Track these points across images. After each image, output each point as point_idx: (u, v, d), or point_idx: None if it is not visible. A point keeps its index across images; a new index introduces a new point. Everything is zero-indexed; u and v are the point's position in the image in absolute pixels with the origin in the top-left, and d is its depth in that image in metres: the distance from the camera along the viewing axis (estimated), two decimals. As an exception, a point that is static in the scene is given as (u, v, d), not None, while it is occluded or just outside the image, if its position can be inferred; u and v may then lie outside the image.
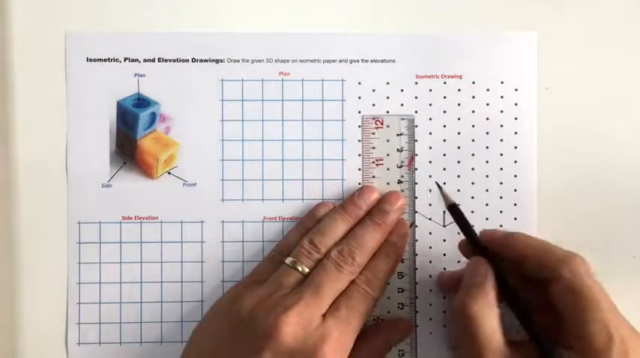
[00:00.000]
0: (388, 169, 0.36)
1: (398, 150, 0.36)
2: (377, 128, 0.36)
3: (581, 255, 0.30)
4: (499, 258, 0.31)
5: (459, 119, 0.36)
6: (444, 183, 0.36)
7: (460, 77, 0.36)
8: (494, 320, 0.29)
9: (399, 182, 0.36)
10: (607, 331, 0.27)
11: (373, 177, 0.36)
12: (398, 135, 0.36)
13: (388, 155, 0.36)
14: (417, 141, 0.36)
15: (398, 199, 0.34)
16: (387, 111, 0.36)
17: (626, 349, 0.27)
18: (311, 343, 0.29)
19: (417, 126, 0.36)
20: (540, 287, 0.30)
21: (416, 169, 0.36)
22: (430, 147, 0.36)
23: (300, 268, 0.32)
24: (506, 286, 0.30)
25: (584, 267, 0.29)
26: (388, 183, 0.36)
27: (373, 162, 0.36)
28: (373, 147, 0.36)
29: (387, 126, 0.36)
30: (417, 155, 0.36)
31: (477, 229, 0.33)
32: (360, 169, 0.36)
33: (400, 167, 0.36)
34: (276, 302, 0.30)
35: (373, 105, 0.36)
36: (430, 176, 0.36)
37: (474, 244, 0.32)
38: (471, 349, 0.29)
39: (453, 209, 0.34)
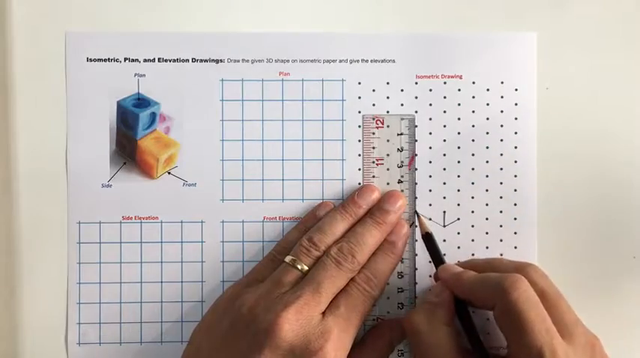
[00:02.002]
0: (388, 169, 0.36)
1: (398, 149, 0.36)
2: (377, 128, 0.36)
3: (534, 265, 0.31)
4: None
5: (459, 119, 0.36)
6: (444, 184, 0.36)
7: (460, 77, 0.36)
8: (445, 338, 0.30)
9: (400, 182, 0.36)
10: (540, 355, 0.27)
11: (373, 176, 0.36)
12: (398, 134, 0.36)
13: (388, 155, 0.36)
14: (417, 141, 0.36)
15: (398, 199, 0.35)
16: (387, 111, 0.36)
17: None
18: (311, 340, 0.29)
19: (417, 126, 0.36)
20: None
21: (416, 169, 0.36)
22: (430, 147, 0.36)
23: (299, 266, 0.32)
24: (463, 308, 0.32)
25: (517, 291, 0.28)
26: (388, 183, 0.36)
27: (373, 162, 0.36)
28: (373, 147, 0.36)
29: (387, 126, 0.36)
30: (416, 155, 0.36)
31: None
32: (360, 169, 0.36)
33: (400, 167, 0.36)
34: (276, 300, 0.30)
35: (373, 105, 0.36)
36: (430, 176, 0.36)
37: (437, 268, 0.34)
38: None
39: (428, 237, 0.35)
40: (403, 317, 0.32)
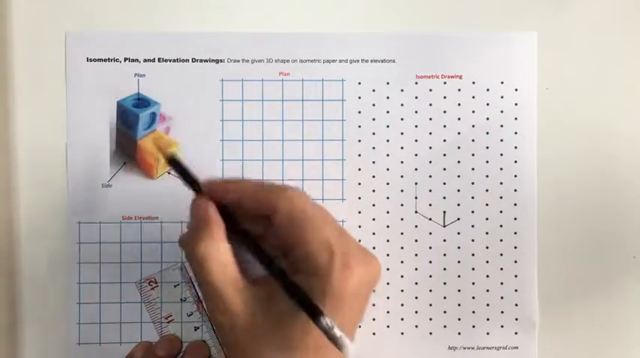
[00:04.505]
0: (180, 321, 0.36)
1: (181, 300, 0.36)
2: (152, 289, 0.36)
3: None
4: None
5: (459, 119, 0.36)
6: (444, 184, 0.36)
7: (460, 77, 0.36)
8: (224, 254, 0.28)
9: (196, 329, 0.36)
10: (328, 248, 0.27)
11: (373, 177, 0.36)
12: (175, 286, 0.36)
13: (172, 314, 0.36)
14: (417, 141, 0.36)
15: (202, 348, 0.35)
16: (387, 112, 0.36)
17: (347, 261, 0.27)
18: None
19: (417, 126, 0.36)
20: (266, 224, 0.29)
21: (416, 169, 0.36)
22: (430, 147, 0.36)
23: None
24: (233, 222, 0.29)
25: (299, 197, 0.28)
26: (388, 184, 0.36)
27: (373, 162, 0.36)
28: (373, 148, 0.36)
29: (162, 284, 0.36)
30: (416, 155, 0.36)
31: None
32: (360, 169, 0.36)
33: (191, 315, 0.35)
34: None
35: (373, 105, 0.36)
36: (430, 176, 0.36)
37: (197, 190, 0.30)
38: (208, 289, 0.28)
39: (172, 161, 0.30)
40: (183, 243, 0.29)
